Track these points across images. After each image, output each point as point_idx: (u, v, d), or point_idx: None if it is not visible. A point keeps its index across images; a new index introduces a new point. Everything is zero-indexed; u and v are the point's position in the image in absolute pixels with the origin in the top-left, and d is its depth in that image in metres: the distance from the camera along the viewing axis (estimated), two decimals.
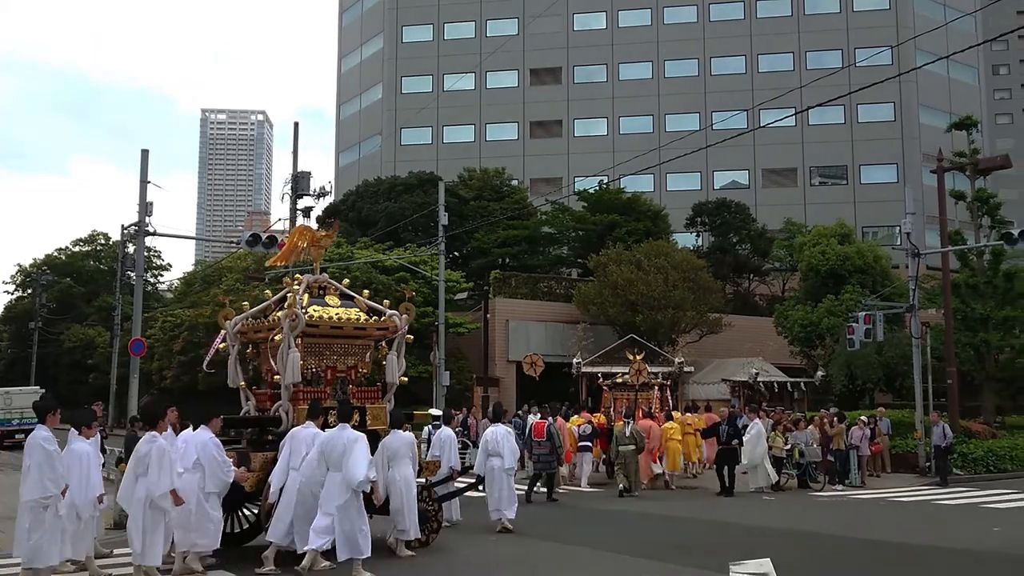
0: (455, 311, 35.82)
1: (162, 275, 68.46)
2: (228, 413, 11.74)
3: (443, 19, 65.87)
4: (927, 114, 58.57)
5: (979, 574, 10.79)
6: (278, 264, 13.74)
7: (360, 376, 12.62)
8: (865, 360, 30.97)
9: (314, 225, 49.03)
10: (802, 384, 32.10)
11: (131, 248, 33.09)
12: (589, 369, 29.57)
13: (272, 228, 38.82)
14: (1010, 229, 25.32)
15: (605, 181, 45.70)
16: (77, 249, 70.54)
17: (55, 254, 70.41)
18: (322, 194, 31.62)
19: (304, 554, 9.98)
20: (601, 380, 26.07)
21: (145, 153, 22.29)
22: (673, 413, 22.68)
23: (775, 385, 31.39)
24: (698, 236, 50.34)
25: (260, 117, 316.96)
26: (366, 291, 13.67)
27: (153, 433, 9.68)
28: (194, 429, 10.51)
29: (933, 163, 27.94)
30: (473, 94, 63.95)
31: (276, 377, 11.80)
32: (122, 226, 37.95)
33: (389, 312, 12.61)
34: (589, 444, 20.95)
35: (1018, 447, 24.97)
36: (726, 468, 19.04)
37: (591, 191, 46.51)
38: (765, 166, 60.13)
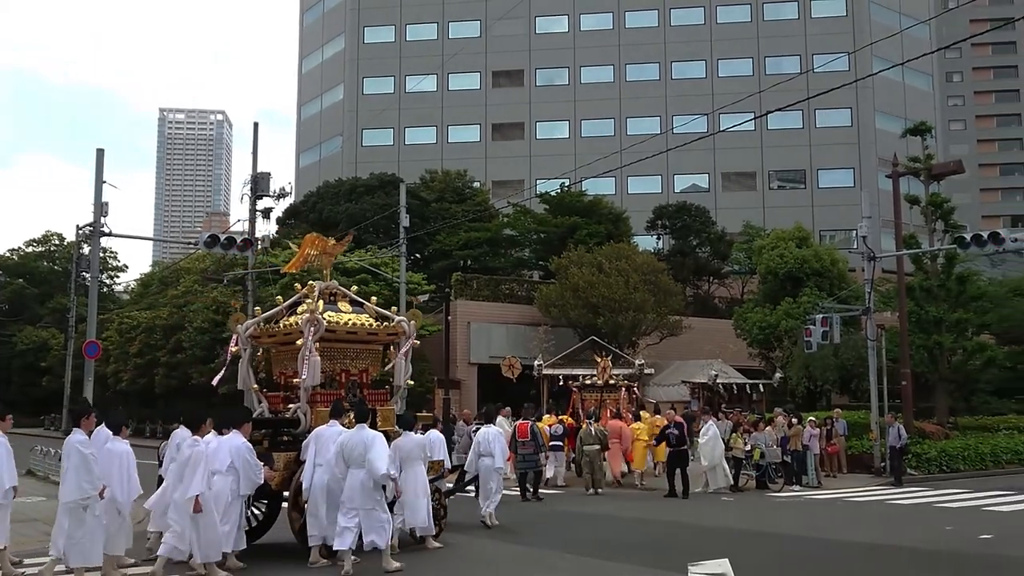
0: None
1: (118, 276, 67.54)
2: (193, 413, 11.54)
3: (405, 20, 65.70)
4: (883, 120, 59.54)
5: (931, 572, 10.96)
6: (291, 271, 14.21)
7: (370, 379, 13.01)
8: (822, 362, 31.37)
9: (274, 226, 48.82)
10: (761, 385, 32.43)
11: (86, 249, 32.56)
12: (551, 371, 29.64)
13: (231, 229, 38.44)
14: (963, 233, 25.77)
15: (567, 184, 45.84)
16: (30, 250, 69.31)
17: (7, 255, 69.15)
18: (282, 195, 31.35)
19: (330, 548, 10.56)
20: (570, 382, 26.49)
21: (100, 152, 21.96)
22: (641, 413, 22.91)
23: (734, 387, 31.67)
24: (659, 239, 50.68)
25: (219, 117, 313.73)
26: (373, 298, 14.08)
27: (196, 437, 10.17)
28: (220, 433, 10.76)
29: (889, 168, 28.36)
30: (435, 96, 63.84)
31: (295, 380, 12.08)
32: (77, 226, 37.35)
33: (397, 318, 13.12)
34: (560, 444, 21.35)
35: (970, 448, 25.45)
36: (677, 471, 19.00)
37: (553, 193, 46.62)
38: (725, 170, 60.73)
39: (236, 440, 10.56)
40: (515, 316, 38.49)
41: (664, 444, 19.81)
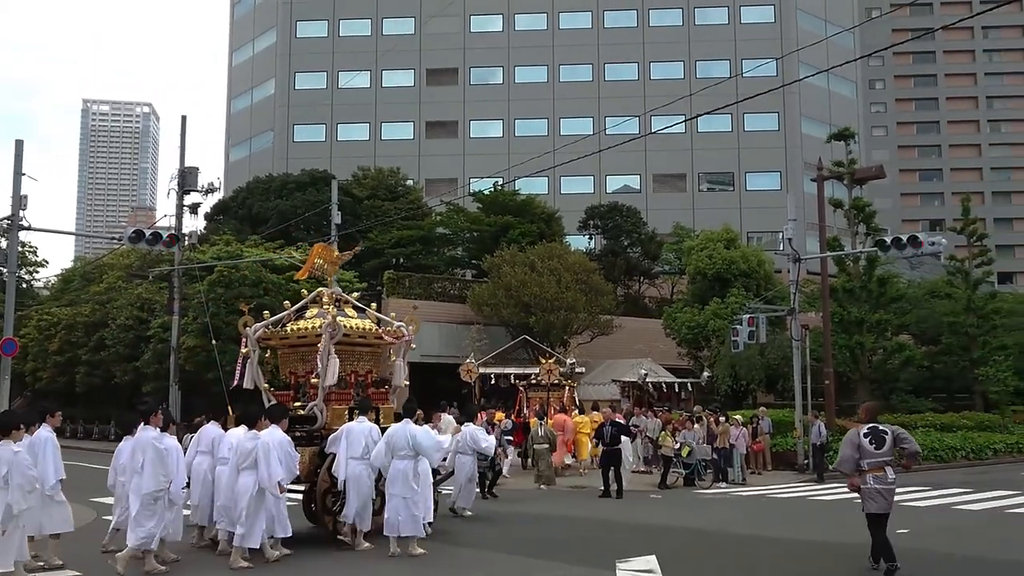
0: None
1: (38, 272, 65.33)
2: (129, 411, 12.41)
3: (338, 15, 65.05)
4: (809, 125, 60.95)
5: (851, 565, 11.27)
6: (302, 279, 15.57)
7: (372, 379, 13.93)
8: (748, 361, 31.99)
9: (202, 222, 47.91)
10: (689, 384, 32.92)
11: (3, 243, 31.50)
12: (483, 370, 29.68)
13: (157, 224, 37.59)
14: (883, 237, 26.54)
15: (500, 183, 45.91)
16: None
17: None
18: (210, 190, 30.82)
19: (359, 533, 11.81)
20: (517, 382, 27.19)
21: (19, 144, 21.28)
22: (584, 407, 23.52)
23: (663, 385, 32.09)
24: (591, 239, 51.10)
25: (146, 109, 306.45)
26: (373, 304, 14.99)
27: (255, 432, 11.11)
28: (250, 428, 11.44)
29: (814, 172, 29.00)
30: (368, 92, 63.35)
31: (313, 379, 13.00)
32: None
33: (397, 324, 14.03)
34: (511, 437, 22.26)
35: None
36: (611, 470, 19.11)
37: (486, 192, 46.65)
38: (656, 171, 61.52)
39: (277, 434, 11.19)
40: (447, 315, 38.41)
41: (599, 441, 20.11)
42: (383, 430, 12.21)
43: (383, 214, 43.19)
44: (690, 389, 32.95)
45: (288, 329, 13.45)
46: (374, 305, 14.85)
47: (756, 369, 32.40)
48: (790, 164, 60.41)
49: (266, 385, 13.61)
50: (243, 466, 10.96)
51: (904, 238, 23.08)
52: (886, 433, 10.61)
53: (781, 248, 26.31)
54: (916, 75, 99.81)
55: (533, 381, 26.64)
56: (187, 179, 28.06)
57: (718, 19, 63.13)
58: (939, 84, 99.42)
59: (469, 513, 15.36)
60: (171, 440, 10.90)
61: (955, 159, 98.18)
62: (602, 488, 19.00)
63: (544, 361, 26.97)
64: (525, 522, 15.07)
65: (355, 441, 11.82)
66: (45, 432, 10.82)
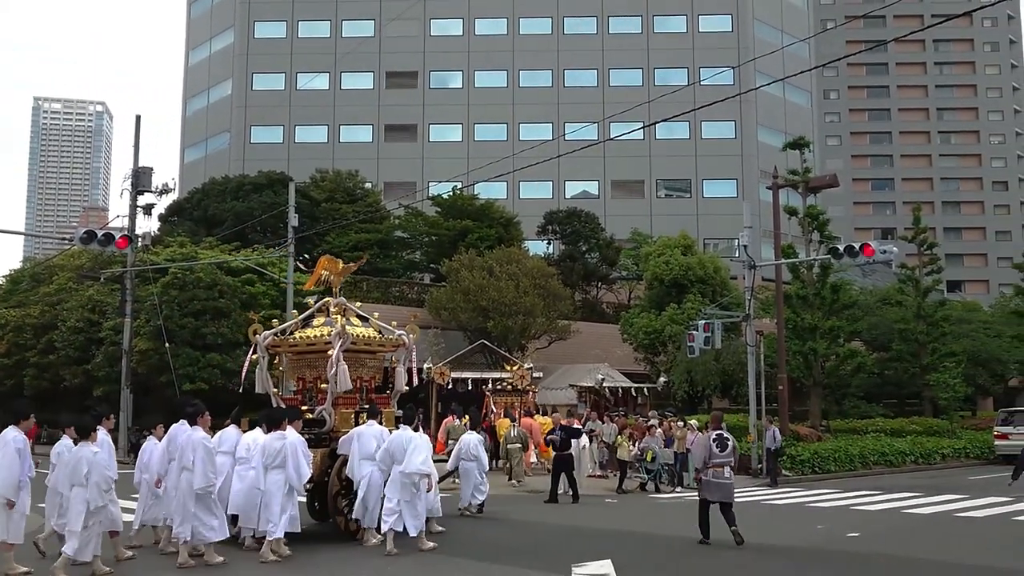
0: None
1: None
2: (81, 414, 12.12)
3: (297, 16, 64.61)
4: (765, 133, 61.76)
5: (803, 569, 11.41)
6: (310, 288, 16.23)
7: (374, 385, 14.70)
8: (704, 367, 32.23)
9: (156, 223, 47.26)
10: (645, 389, 33.12)
11: None
12: (436, 374, 29.60)
13: (110, 225, 36.99)
14: (837, 245, 26.90)
15: (459, 187, 45.86)
16: None
17: None
18: (165, 191, 30.48)
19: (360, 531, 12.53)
20: (483, 387, 27.41)
21: None
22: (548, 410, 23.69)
23: (620, 390, 32.25)
24: (549, 244, 51.19)
25: (99, 108, 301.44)
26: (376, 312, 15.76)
27: (282, 432, 11.65)
28: (272, 429, 11.99)
29: (769, 180, 29.31)
30: (327, 94, 62.98)
31: (322, 384, 13.74)
32: None
33: (398, 332, 14.71)
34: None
35: (840, 449, 26.59)
36: (562, 475, 19.02)
37: (445, 196, 46.56)
38: (614, 177, 61.89)
39: (292, 435, 11.77)
40: (405, 319, 38.21)
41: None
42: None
43: (341, 217, 42.92)
44: (646, 394, 33.16)
45: (296, 336, 14.10)
46: (377, 314, 15.64)
47: (711, 374, 32.65)
48: (746, 172, 61.14)
49: (275, 390, 14.26)
50: (272, 465, 11.55)
51: (856, 246, 23.42)
52: (728, 440, 13.09)
53: (737, 255, 26.57)
54: (869, 86, 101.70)
55: (499, 386, 26.96)
56: (141, 179, 27.70)
57: (677, 27, 63.75)
58: (891, 95, 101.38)
59: (471, 513, 16.05)
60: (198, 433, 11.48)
61: (906, 169, 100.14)
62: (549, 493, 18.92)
63: (510, 367, 27.18)
64: (481, 526, 15.04)
65: (366, 443, 12.54)
66: (101, 434, 11.14)
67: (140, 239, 28.31)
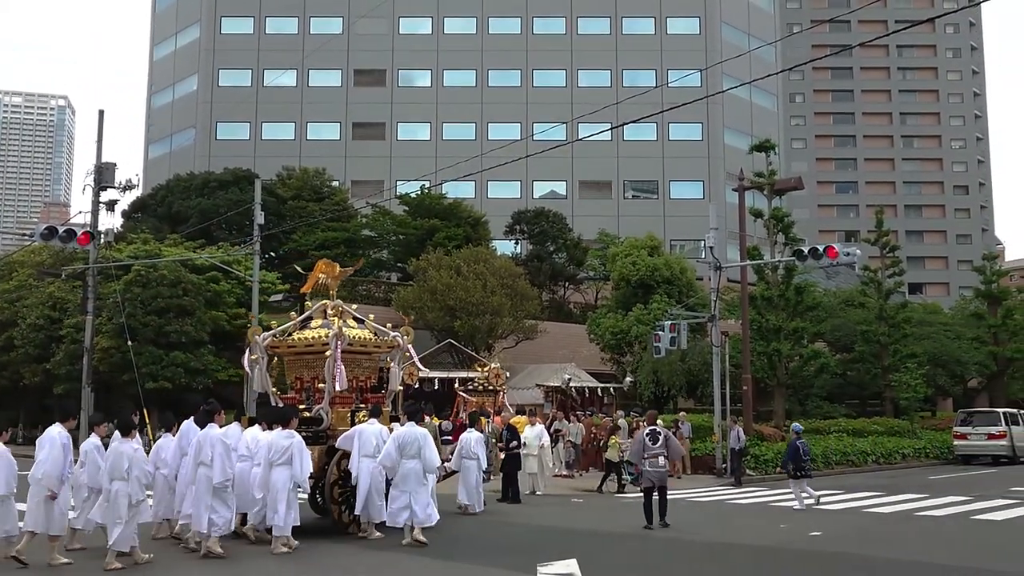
0: (270, 313, 34.85)
1: None
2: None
3: (264, 12, 64.12)
4: (731, 136, 62.27)
5: (765, 568, 11.52)
6: (306, 292, 16.46)
7: (370, 384, 15.11)
8: (670, 367, 32.44)
9: (119, 220, 46.67)
10: (612, 389, 33.25)
11: None
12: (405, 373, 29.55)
13: (71, 221, 36.45)
14: (801, 247, 27.19)
15: (427, 186, 45.76)
16: None
17: None
18: (128, 187, 30.03)
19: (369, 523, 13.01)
20: (455, 387, 27.39)
21: None
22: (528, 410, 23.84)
23: (586, 390, 32.36)
24: (517, 244, 51.25)
25: (62, 102, 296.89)
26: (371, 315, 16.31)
27: (291, 431, 12.11)
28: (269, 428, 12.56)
29: (735, 182, 29.56)
30: (294, 91, 62.57)
31: (319, 384, 14.16)
32: None
33: (393, 333, 15.20)
34: (449, 438, 22.47)
35: None
36: (518, 473, 18.99)
37: (413, 195, 46.44)
38: (582, 178, 62.08)
39: (295, 436, 12.23)
40: (372, 318, 38.06)
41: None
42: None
43: (308, 215, 42.66)
44: (613, 394, 33.29)
45: (295, 338, 14.57)
46: (372, 315, 15.90)
47: (677, 375, 32.88)
48: (713, 174, 61.59)
49: (274, 389, 14.71)
50: (279, 462, 11.93)
51: (820, 248, 23.66)
52: (660, 434, 15.15)
53: (703, 256, 26.71)
54: (834, 90, 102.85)
55: (470, 386, 26.95)
56: (104, 175, 27.26)
57: (645, 29, 64.08)
58: (856, 99, 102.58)
59: (478, 510, 16.27)
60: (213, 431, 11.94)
61: (870, 172, 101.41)
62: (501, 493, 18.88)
63: (480, 367, 27.28)
64: (447, 524, 15.00)
65: (367, 441, 13.03)
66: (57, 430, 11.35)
67: (102, 235, 27.86)
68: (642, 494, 14.96)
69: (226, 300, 34.80)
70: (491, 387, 26.87)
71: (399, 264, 46.01)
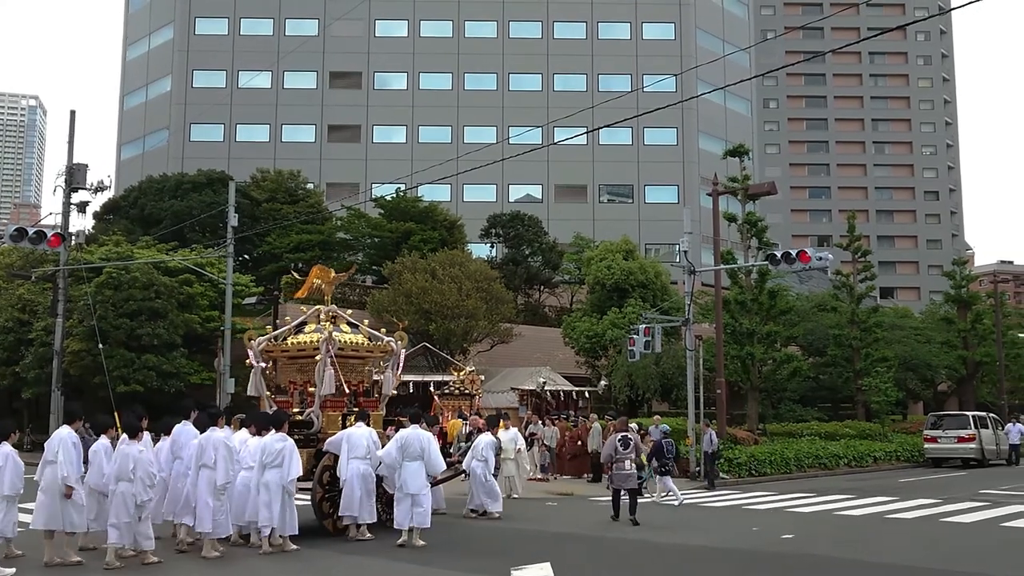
0: (244, 316, 34.63)
1: None
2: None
3: (239, 13, 63.72)
4: (706, 140, 62.63)
5: (737, 570, 11.59)
6: (301, 297, 16.96)
7: (363, 388, 15.32)
8: (644, 370, 32.56)
9: (90, 221, 46.22)
10: (586, 392, 33.30)
11: None
12: (379, 377, 29.44)
13: (42, 222, 36.05)
14: (774, 251, 27.36)
15: (403, 189, 45.66)
16: None
17: None
18: (100, 188, 29.72)
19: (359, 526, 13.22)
20: (432, 390, 27.43)
21: None
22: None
23: (561, 393, 32.39)
24: (492, 247, 51.26)
25: (32, 102, 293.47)
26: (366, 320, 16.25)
27: (284, 434, 12.46)
28: (259, 434, 12.80)
29: (709, 186, 29.73)
30: (269, 93, 62.23)
31: (309, 388, 14.49)
32: None
33: (387, 338, 15.43)
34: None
35: (776, 452, 27.04)
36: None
37: (388, 198, 46.31)
38: (558, 182, 62.19)
39: (288, 440, 12.57)
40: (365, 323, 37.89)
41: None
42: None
43: (282, 217, 42.44)
44: (587, 397, 33.34)
45: (288, 342, 14.91)
46: (367, 321, 16.13)
47: (651, 378, 32.99)
48: (687, 178, 61.89)
49: (268, 393, 14.91)
50: (272, 464, 12.22)
51: (793, 253, 23.85)
52: (631, 439, 16.23)
53: (677, 260, 26.85)
54: (807, 96, 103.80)
55: (447, 390, 27.13)
56: (75, 176, 26.99)
57: (621, 34, 64.33)
58: (828, 105, 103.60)
59: (491, 509, 16.38)
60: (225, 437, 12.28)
61: (842, 178, 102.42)
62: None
63: (455, 371, 27.29)
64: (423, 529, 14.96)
65: (356, 444, 13.28)
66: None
67: (74, 237, 27.58)
68: (616, 494, 15.37)
69: (199, 303, 34.53)
70: (466, 391, 26.92)
71: (374, 267, 45.86)
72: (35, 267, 32.62)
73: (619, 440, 16.13)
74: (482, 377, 31.09)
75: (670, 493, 19.18)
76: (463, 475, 17.20)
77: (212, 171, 48.51)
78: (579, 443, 25.83)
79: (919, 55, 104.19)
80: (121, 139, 68.57)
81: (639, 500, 16.24)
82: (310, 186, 51.67)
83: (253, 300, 34.84)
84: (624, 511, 15.75)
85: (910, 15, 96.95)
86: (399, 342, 15.51)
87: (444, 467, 13.21)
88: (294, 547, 12.25)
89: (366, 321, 15.96)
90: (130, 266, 32.09)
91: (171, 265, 33.89)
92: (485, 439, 16.90)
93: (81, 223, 37.77)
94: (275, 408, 14.46)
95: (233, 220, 30.50)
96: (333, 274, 16.16)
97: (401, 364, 15.60)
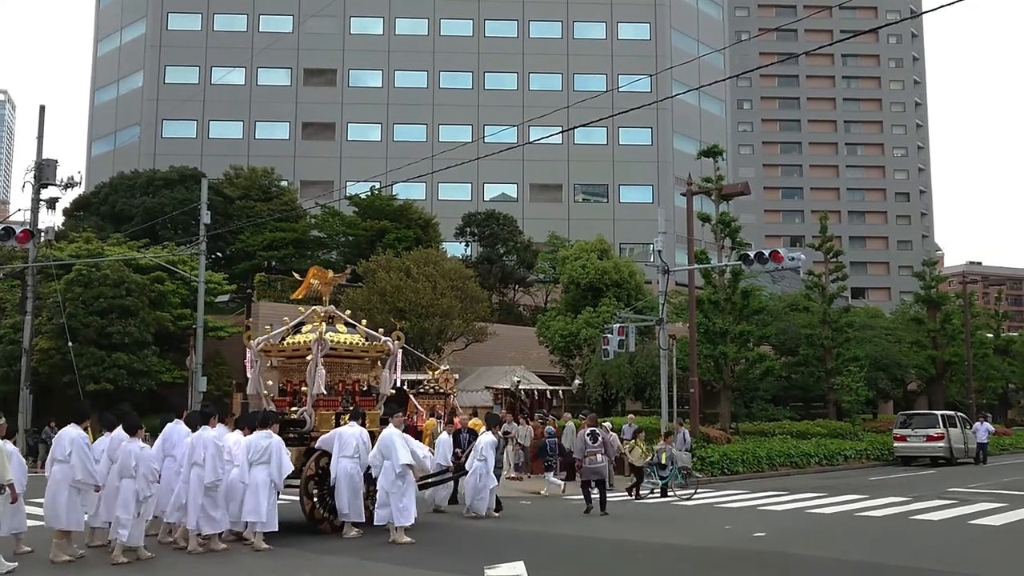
0: (216, 314, 34.38)
1: None
2: None
3: (213, 9, 63.23)
4: (680, 141, 62.92)
5: (709, 569, 11.65)
6: (298, 298, 17.17)
7: (360, 388, 15.57)
8: (618, 369, 32.67)
9: (60, 218, 45.74)
10: (561, 392, 33.35)
11: None
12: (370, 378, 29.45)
13: (10, 218, 35.59)
14: (747, 251, 27.55)
15: (377, 187, 45.51)
16: None
17: None
18: (70, 184, 29.48)
19: (346, 524, 13.52)
20: (406, 389, 27.33)
21: None
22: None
23: (535, 392, 32.42)
24: (467, 246, 51.20)
25: (1, 96, 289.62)
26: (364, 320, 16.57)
27: (269, 432, 12.65)
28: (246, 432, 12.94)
29: (684, 186, 29.87)
30: (243, 89, 61.80)
31: (301, 388, 14.69)
32: None
33: (384, 338, 15.64)
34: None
35: (749, 451, 27.23)
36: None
37: (363, 196, 46.14)
38: (533, 181, 62.24)
39: (273, 437, 12.76)
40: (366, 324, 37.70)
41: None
42: (371, 435, 14.09)
43: (255, 215, 42.18)
44: (562, 396, 33.39)
45: (286, 343, 15.09)
46: (364, 321, 16.12)
47: (625, 377, 33.10)
48: (662, 178, 62.16)
49: (265, 392, 15.13)
50: (257, 461, 12.41)
51: (766, 253, 24.01)
52: (599, 435, 17.45)
53: (651, 260, 26.95)
54: (781, 97, 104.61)
55: (421, 389, 26.98)
56: (45, 172, 26.74)
57: (596, 34, 64.47)
58: (802, 107, 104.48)
59: (497, 514, 16.46)
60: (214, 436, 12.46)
61: (815, 179, 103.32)
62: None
63: (430, 370, 27.15)
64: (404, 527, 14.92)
65: (347, 443, 13.53)
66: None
67: (43, 234, 27.35)
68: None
69: (171, 301, 34.25)
70: (441, 390, 26.83)
71: (348, 265, 45.66)
72: (3, 264, 32.25)
73: (588, 435, 17.07)
74: (456, 376, 31.05)
75: (551, 485, 21.17)
76: (465, 474, 17.09)
77: (185, 168, 48.12)
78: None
79: (891, 58, 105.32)
80: (92, 135, 67.84)
81: (605, 495, 16.92)
82: (284, 184, 51.40)
83: (226, 298, 34.63)
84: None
85: (882, 18, 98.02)
86: (396, 342, 15.66)
87: (406, 462, 13.12)
88: (265, 546, 12.29)
89: (363, 321, 16.07)
90: (100, 263, 31.77)
91: (142, 262, 33.60)
92: (486, 439, 16.71)
93: (51, 219, 37.42)
94: (270, 406, 14.74)
95: (206, 217, 30.29)
96: (331, 275, 16.38)
97: (399, 364, 15.75)
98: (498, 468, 17.54)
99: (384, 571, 11.17)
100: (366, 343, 15.42)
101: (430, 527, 15.15)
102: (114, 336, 31.06)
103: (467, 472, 16.63)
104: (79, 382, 25.94)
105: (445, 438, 17.68)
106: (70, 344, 27.28)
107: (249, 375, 15.25)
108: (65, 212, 47.27)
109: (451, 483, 17.64)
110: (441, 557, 12.10)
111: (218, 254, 44.32)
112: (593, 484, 16.92)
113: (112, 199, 46.10)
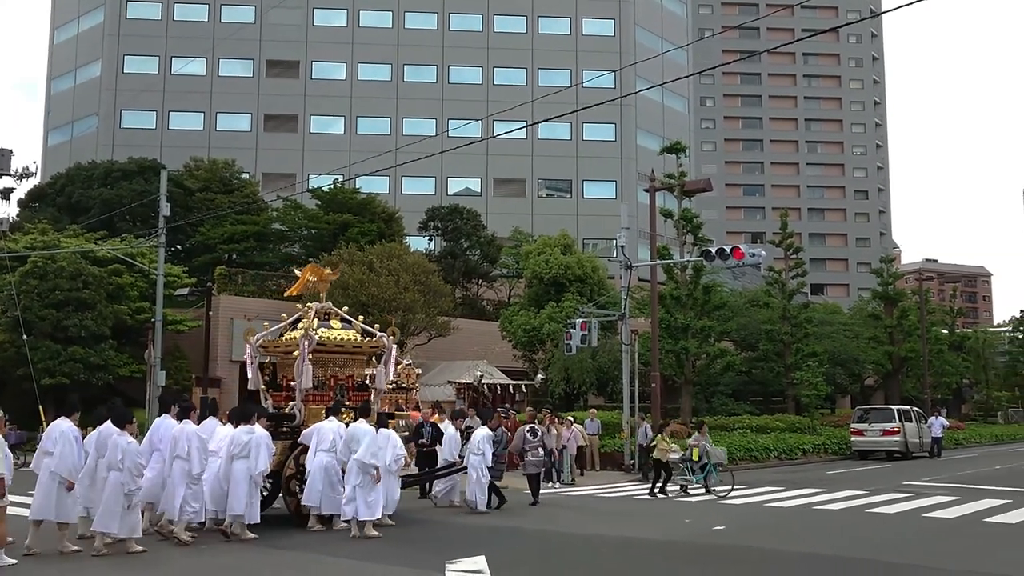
0: (175, 307, 33.97)
1: None
2: None
3: None
4: (643, 137, 63.18)
5: (668, 562, 11.74)
6: (293, 294, 17.24)
7: (355, 383, 15.73)
8: (581, 364, 32.79)
9: (15, 209, 44.89)
10: (523, 386, 33.43)
11: None
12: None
13: None
14: (709, 247, 27.79)
15: (340, 180, 45.20)
16: None
17: None
18: (26, 175, 29.02)
19: (331, 516, 13.73)
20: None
21: None
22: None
23: (498, 387, 32.48)
24: (430, 240, 51.03)
25: None
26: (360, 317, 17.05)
27: (251, 427, 12.87)
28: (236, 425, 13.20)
29: (647, 182, 30.03)
30: (204, 80, 61.00)
31: (292, 383, 14.88)
32: None
33: (379, 334, 15.79)
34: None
35: None
36: (426, 470, 18.57)
37: (325, 189, 45.82)
38: (497, 175, 62.18)
39: (259, 430, 13.02)
40: (282, 313, 37.38)
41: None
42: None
43: (216, 207, 41.70)
44: (524, 391, 33.47)
45: (283, 339, 15.40)
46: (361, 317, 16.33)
47: (588, 372, 33.23)
48: (625, 174, 62.41)
49: (263, 387, 15.37)
50: (239, 455, 12.66)
51: (727, 249, 24.24)
52: (538, 430, 18.50)
53: (614, 255, 27.13)
54: (743, 95, 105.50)
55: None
56: None
57: (561, 29, 64.51)
58: (763, 105, 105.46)
59: (484, 509, 16.34)
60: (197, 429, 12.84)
61: (776, 176, 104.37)
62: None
63: (399, 362, 26.96)
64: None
65: (324, 437, 13.79)
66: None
67: None
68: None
69: (129, 294, 33.77)
70: (403, 384, 26.64)
71: (310, 259, 45.24)
72: None
73: (528, 431, 18.05)
74: (419, 371, 30.90)
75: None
76: (463, 471, 17.14)
77: (144, 159, 47.41)
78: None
79: (851, 57, 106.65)
80: (48, 125, 66.61)
81: (538, 488, 17.95)
82: (245, 176, 50.85)
83: (185, 291, 34.20)
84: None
85: (843, 18, 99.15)
86: (391, 338, 15.84)
87: (360, 459, 13.26)
88: (252, 535, 12.64)
89: (360, 318, 16.25)
90: (57, 255, 31.24)
91: (100, 255, 33.07)
92: (481, 433, 16.71)
93: (4, 210, 36.66)
94: (267, 401, 15.19)
95: (165, 209, 29.90)
96: (326, 272, 16.74)
97: (393, 360, 15.88)
98: (500, 464, 17.50)
99: (345, 566, 11.13)
100: (360, 339, 15.59)
101: (394, 522, 15.11)
102: (70, 329, 30.56)
103: (446, 468, 17.18)
104: (34, 376, 25.47)
105: (453, 433, 17.94)
106: (24, 337, 26.81)
107: (249, 372, 15.41)
108: (20, 203, 46.44)
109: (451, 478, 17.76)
110: (403, 552, 12.08)
111: (178, 247, 43.77)
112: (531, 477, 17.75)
113: (69, 190, 45.32)
